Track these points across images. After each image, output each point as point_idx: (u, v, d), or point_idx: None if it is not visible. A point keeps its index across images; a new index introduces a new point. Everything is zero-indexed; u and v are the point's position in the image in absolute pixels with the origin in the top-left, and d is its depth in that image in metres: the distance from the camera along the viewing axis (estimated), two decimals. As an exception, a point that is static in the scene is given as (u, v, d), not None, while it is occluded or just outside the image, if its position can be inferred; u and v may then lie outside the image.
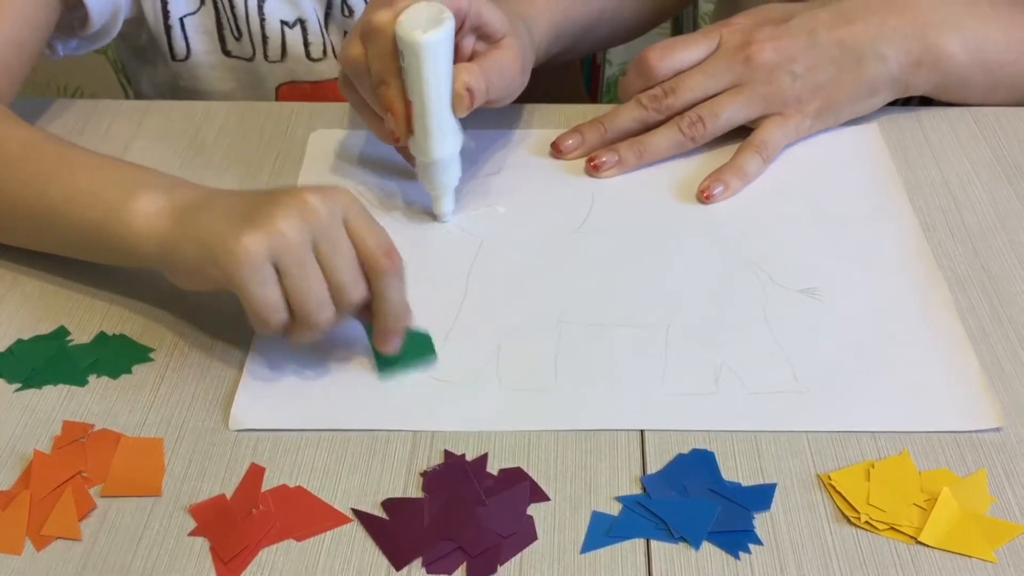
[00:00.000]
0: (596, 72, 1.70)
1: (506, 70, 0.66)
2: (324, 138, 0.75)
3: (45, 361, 0.59)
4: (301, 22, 0.85)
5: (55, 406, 0.57)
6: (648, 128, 0.73)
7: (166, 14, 0.84)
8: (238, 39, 0.86)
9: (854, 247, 0.66)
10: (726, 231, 0.67)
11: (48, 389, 0.58)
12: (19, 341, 0.61)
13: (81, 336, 0.61)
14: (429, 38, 0.59)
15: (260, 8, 0.84)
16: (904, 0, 0.73)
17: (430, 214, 0.68)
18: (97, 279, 0.65)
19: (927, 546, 0.49)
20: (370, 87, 0.64)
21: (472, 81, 0.63)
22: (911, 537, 0.50)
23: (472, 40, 0.67)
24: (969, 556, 0.49)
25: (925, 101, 0.77)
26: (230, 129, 0.77)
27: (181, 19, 0.85)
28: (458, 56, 0.66)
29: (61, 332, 0.61)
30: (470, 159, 0.73)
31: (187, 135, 0.77)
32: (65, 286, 0.64)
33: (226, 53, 0.87)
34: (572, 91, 1.20)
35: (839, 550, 0.49)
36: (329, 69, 0.87)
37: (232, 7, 0.84)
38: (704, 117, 0.71)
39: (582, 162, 0.73)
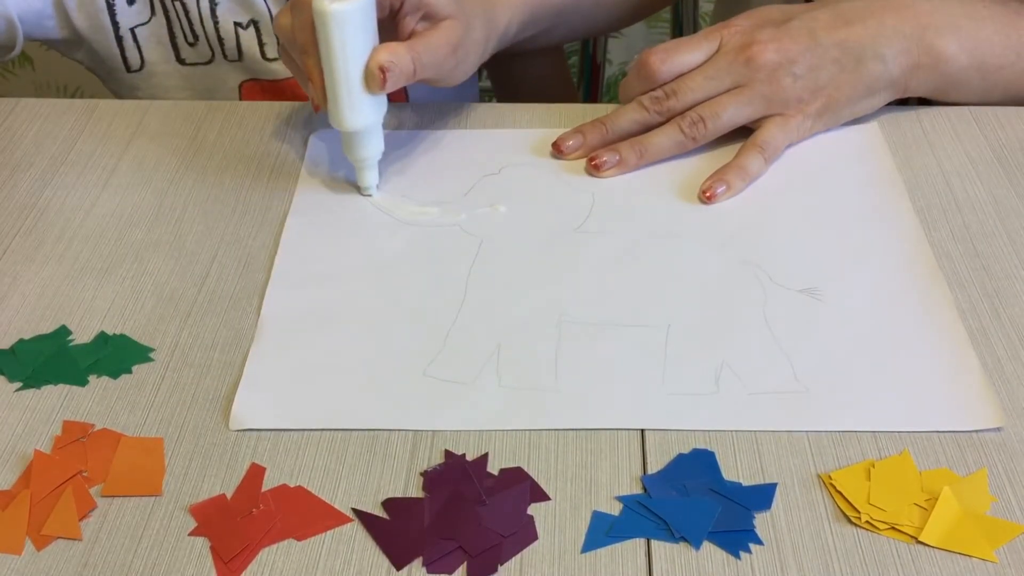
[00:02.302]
0: (596, 72, 1.70)
1: (438, 51, 0.67)
2: (324, 138, 0.76)
3: (45, 361, 0.59)
4: (254, 23, 0.85)
5: (55, 406, 0.57)
6: (649, 130, 0.73)
7: (116, 25, 0.85)
8: (193, 44, 0.86)
9: (854, 247, 0.66)
10: (726, 231, 0.67)
11: (48, 389, 0.58)
12: (21, 341, 0.61)
13: (81, 336, 0.61)
14: (337, 8, 0.61)
15: (213, 11, 0.84)
16: (903, 2, 0.73)
17: (425, 213, 0.69)
18: (97, 279, 0.65)
19: (927, 546, 0.49)
20: (298, 55, 0.66)
21: (390, 59, 0.63)
22: (911, 537, 0.50)
23: (414, 21, 0.68)
24: (970, 556, 0.49)
25: (924, 101, 0.77)
26: (230, 129, 0.77)
27: (132, 30, 0.85)
28: (398, 36, 0.67)
29: (63, 332, 0.61)
30: (471, 159, 0.73)
31: (187, 135, 0.77)
32: (65, 286, 0.64)
33: (180, 61, 0.88)
34: (560, 79, 1.20)
35: (839, 550, 0.49)
36: (284, 68, 0.87)
37: (186, 12, 0.84)
38: (705, 117, 0.71)
39: (583, 162, 0.73)
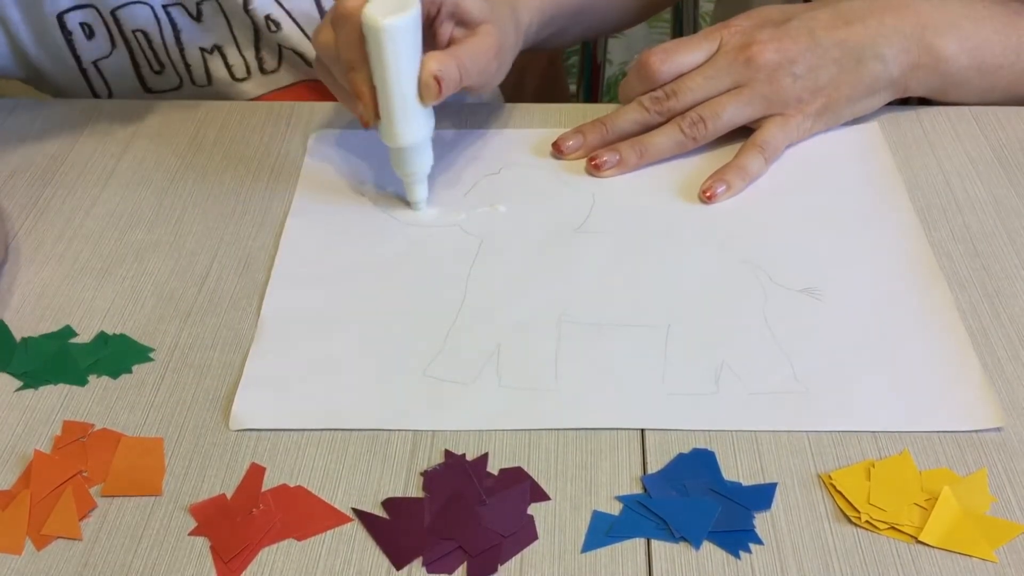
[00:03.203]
0: (596, 72, 1.70)
1: (481, 58, 0.66)
2: (324, 138, 0.76)
3: (44, 361, 0.59)
4: (218, 47, 0.84)
5: (55, 406, 0.57)
6: (649, 130, 0.73)
7: (78, 59, 0.84)
8: (159, 72, 0.85)
9: (854, 247, 0.66)
10: (726, 231, 0.67)
11: (48, 389, 0.58)
12: (26, 339, 0.61)
13: (81, 336, 0.61)
14: (390, 23, 0.59)
15: (177, 38, 0.83)
16: (902, 2, 0.73)
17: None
18: (97, 279, 0.65)
19: (927, 546, 0.49)
20: (341, 72, 0.65)
21: (440, 69, 0.62)
22: (911, 537, 0.50)
23: (450, 27, 0.67)
24: (969, 556, 0.49)
25: (924, 101, 0.77)
26: (230, 129, 0.77)
27: (95, 63, 0.84)
28: (436, 43, 0.66)
29: (67, 332, 0.61)
30: (471, 159, 0.73)
31: (187, 135, 0.77)
32: (65, 286, 0.64)
33: (148, 90, 0.86)
34: (557, 87, 1.20)
35: (839, 549, 0.49)
36: (255, 87, 0.86)
37: (149, 42, 0.83)
38: (705, 117, 0.71)
39: (583, 162, 0.73)
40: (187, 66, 0.84)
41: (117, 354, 0.60)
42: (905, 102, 0.77)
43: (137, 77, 0.85)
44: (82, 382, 0.58)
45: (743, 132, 0.72)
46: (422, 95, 0.63)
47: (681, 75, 0.72)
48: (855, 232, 0.67)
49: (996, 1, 0.74)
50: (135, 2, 0.80)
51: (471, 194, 0.70)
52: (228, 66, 0.85)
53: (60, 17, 0.81)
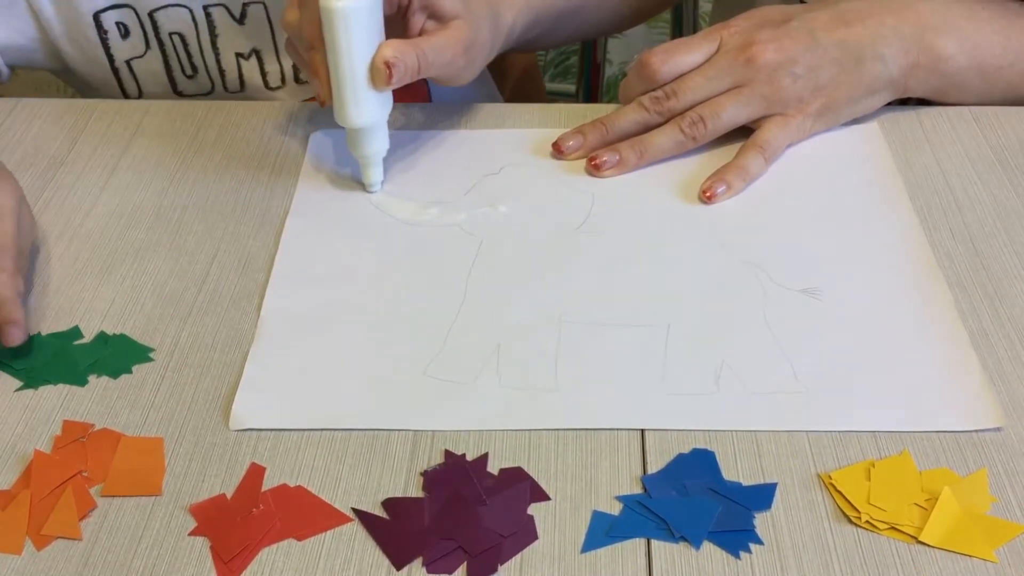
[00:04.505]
0: (596, 72, 1.71)
1: (446, 51, 0.67)
2: (324, 138, 0.76)
3: (45, 361, 0.59)
4: (256, 52, 0.84)
5: (55, 406, 0.57)
6: (649, 130, 0.73)
7: (111, 58, 0.84)
8: (191, 77, 0.85)
9: (854, 247, 0.66)
10: (726, 231, 0.67)
11: (48, 389, 0.58)
12: (33, 336, 0.61)
13: (81, 336, 0.61)
14: (343, 6, 0.61)
15: (213, 43, 0.83)
16: (902, 2, 0.73)
17: (425, 213, 0.69)
18: (97, 279, 0.65)
19: (928, 546, 0.49)
20: (304, 51, 0.67)
21: (394, 56, 0.63)
22: (912, 537, 0.50)
23: (422, 19, 0.68)
24: (970, 556, 0.49)
25: (924, 101, 0.77)
26: (230, 129, 0.77)
27: (128, 63, 0.85)
28: (407, 34, 0.67)
29: (75, 333, 0.61)
30: (471, 159, 0.73)
31: (187, 135, 0.77)
32: (65, 286, 0.64)
33: (178, 94, 0.87)
34: (535, 91, 1.20)
35: (840, 550, 0.49)
36: (287, 96, 0.87)
37: (185, 45, 0.83)
38: (705, 117, 0.71)
39: (582, 162, 0.73)
40: (221, 71, 0.85)
41: (117, 354, 0.60)
42: (905, 102, 0.77)
43: (169, 80, 0.86)
44: (82, 382, 0.58)
45: (743, 132, 0.72)
46: (373, 79, 0.64)
47: (681, 75, 0.72)
48: (855, 232, 0.67)
49: (996, 2, 0.74)
50: (174, 4, 0.81)
51: (471, 194, 0.70)
52: (264, 73, 0.85)
53: (96, 16, 0.81)
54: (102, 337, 0.61)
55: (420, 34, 0.68)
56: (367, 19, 0.63)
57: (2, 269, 0.59)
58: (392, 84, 0.64)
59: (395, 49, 0.64)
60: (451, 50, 0.67)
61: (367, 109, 0.66)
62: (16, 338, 0.58)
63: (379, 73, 0.64)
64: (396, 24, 0.67)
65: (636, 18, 0.96)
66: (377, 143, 0.68)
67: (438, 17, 0.68)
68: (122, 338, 0.61)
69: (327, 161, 0.74)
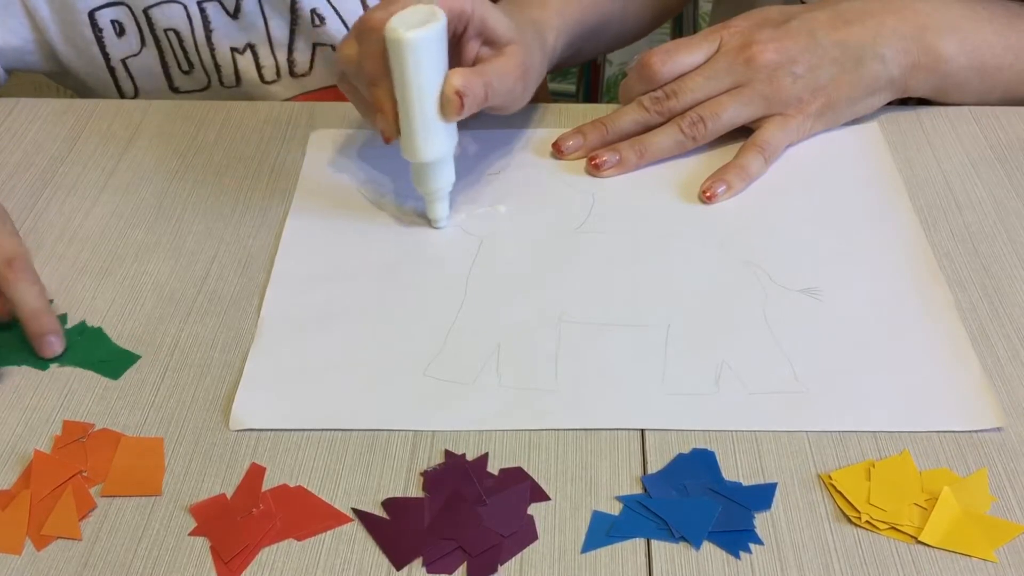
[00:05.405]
0: (596, 72, 1.70)
1: (507, 78, 0.66)
2: (324, 138, 0.75)
3: (9, 345, 0.60)
4: (251, 47, 0.84)
5: (55, 406, 0.57)
6: (649, 130, 0.73)
7: (106, 57, 0.84)
8: (188, 72, 0.85)
9: (854, 247, 0.66)
10: (726, 231, 0.67)
11: (48, 389, 0.58)
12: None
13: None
14: (413, 36, 0.59)
15: (208, 38, 0.83)
16: (901, 3, 0.73)
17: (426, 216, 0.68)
18: (97, 279, 0.65)
19: (928, 546, 0.49)
20: (364, 86, 0.65)
21: (464, 85, 0.62)
22: (912, 537, 0.50)
23: (477, 46, 0.66)
24: (970, 556, 0.49)
25: (924, 101, 0.77)
26: (230, 129, 0.77)
27: (123, 61, 0.84)
28: (462, 61, 0.66)
29: (60, 319, 0.61)
30: (471, 159, 0.73)
31: (187, 135, 0.77)
32: (65, 286, 0.64)
33: (174, 90, 0.87)
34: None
35: (839, 550, 0.49)
36: (283, 90, 0.87)
37: (180, 40, 0.83)
38: (705, 117, 0.71)
39: (583, 162, 0.73)
40: (217, 67, 0.85)
41: (88, 346, 0.60)
42: (905, 102, 0.77)
43: (165, 76, 0.86)
44: (43, 366, 0.59)
45: (743, 132, 0.72)
46: (444, 110, 0.62)
47: (681, 75, 0.72)
48: (855, 232, 0.67)
49: (996, 2, 0.74)
50: (169, 1, 0.81)
51: (471, 194, 0.70)
52: (259, 67, 0.85)
53: (92, 14, 0.81)
54: (79, 328, 0.61)
55: (475, 62, 0.66)
56: (435, 49, 0.60)
57: (31, 281, 0.59)
58: (463, 114, 0.62)
59: (464, 78, 0.62)
60: (511, 76, 0.66)
61: (438, 141, 0.63)
62: (56, 348, 0.59)
63: (450, 104, 0.62)
64: (449, 52, 0.64)
65: (654, 23, 0.95)
66: (445, 176, 0.66)
67: (492, 43, 0.66)
68: (97, 332, 0.61)
69: (327, 161, 0.74)
